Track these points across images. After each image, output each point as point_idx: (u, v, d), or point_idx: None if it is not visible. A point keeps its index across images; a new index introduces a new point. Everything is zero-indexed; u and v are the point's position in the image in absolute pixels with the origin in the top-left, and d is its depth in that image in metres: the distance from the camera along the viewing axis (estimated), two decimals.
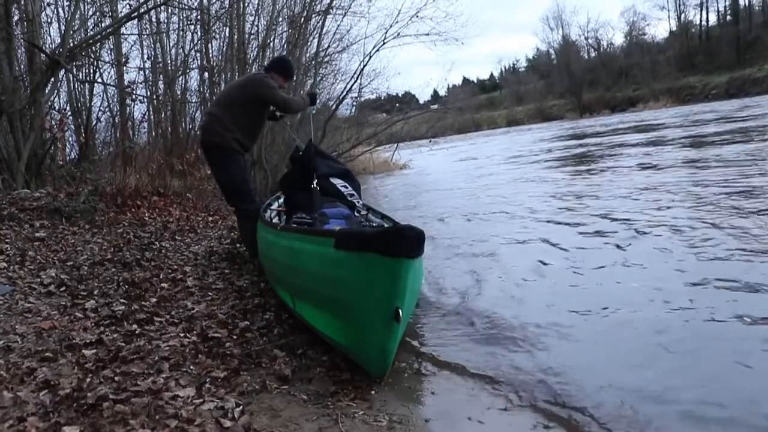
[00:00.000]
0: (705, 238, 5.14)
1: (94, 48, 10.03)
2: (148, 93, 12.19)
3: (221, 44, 13.69)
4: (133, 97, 11.22)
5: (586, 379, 2.84)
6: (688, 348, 3.10)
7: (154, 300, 4.24)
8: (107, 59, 11.34)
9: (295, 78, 6.04)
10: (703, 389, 2.65)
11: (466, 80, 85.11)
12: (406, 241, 2.55)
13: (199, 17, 12.28)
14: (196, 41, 12.98)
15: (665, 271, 4.43)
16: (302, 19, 14.21)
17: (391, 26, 15.57)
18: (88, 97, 10.85)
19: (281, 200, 6.03)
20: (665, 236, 5.42)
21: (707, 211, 6.15)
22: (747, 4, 58.82)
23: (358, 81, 16.53)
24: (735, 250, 4.64)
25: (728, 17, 60.83)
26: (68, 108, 10.66)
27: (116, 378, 2.78)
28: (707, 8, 61.78)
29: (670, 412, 2.49)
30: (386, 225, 4.67)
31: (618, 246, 5.35)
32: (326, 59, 16.67)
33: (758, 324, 3.24)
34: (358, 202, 5.24)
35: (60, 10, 10.62)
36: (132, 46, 12.38)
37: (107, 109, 11.46)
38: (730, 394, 2.55)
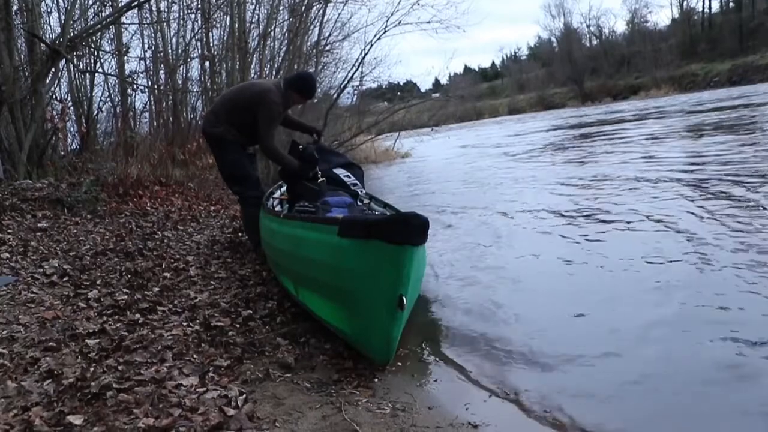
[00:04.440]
0: (713, 235, 5.12)
1: (94, 38, 10.01)
2: (149, 83, 12.14)
3: (222, 33, 13.63)
4: (134, 86, 11.20)
5: (585, 373, 2.84)
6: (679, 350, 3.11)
7: (156, 289, 4.24)
8: (108, 49, 11.32)
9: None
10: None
11: (467, 69, 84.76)
12: (411, 229, 2.55)
13: (199, 6, 12.23)
14: (196, 30, 12.92)
15: (666, 265, 4.43)
16: (303, 8, 14.17)
17: (392, 14, 15.43)
18: (88, 87, 10.84)
19: (283, 189, 6.01)
20: (669, 228, 5.41)
21: (711, 204, 6.14)
22: None
23: (360, 69, 16.47)
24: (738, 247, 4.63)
25: (731, 4, 60.44)
26: (69, 98, 10.65)
27: (119, 367, 2.78)
28: None
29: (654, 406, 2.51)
30: (389, 213, 4.65)
31: (623, 237, 5.35)
32: (327, 48, 16.66)
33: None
34: (360, 190, 5.23)
35: None
36: (132, 35, 12.32)
37: (108, 99, 11.45)
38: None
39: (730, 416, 2.37)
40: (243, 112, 5.18)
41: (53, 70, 8.76)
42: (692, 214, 5.61)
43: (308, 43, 15.71)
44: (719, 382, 2.60)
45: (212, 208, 8.42)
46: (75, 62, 9.96)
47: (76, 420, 2.24)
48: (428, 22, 15.73)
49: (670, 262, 4.34)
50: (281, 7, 14.58)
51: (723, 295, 3.57)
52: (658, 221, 5.54)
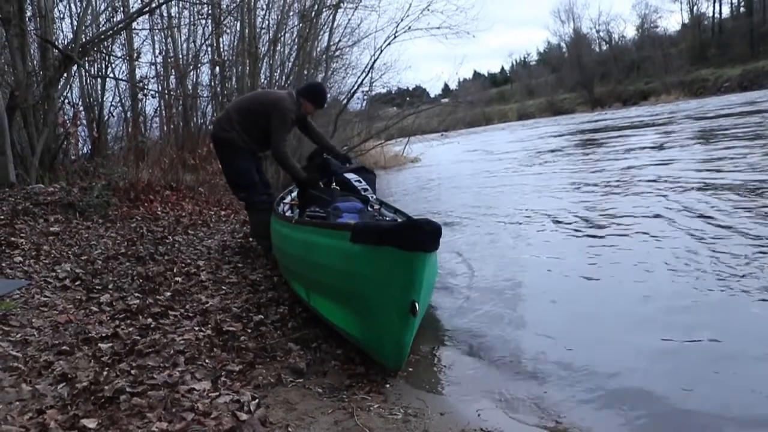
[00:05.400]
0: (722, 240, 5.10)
1: (106, 43, 10.06)
2: (160, 88, 12.21)
3: (232, 39, 13.72)
4: (145, 91, 11.23)
5: (598, 382, 2.83)
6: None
7: (168, 294, 4.26)
8: (119, 54, 11.36)
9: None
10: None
11: (476, 74, 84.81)
12: (423, 235, 2.55)
13: (210, 12, 12.28)
14: (207, 36, 13.01)
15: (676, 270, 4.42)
16: (313, 13, 14.22)
17: (402, 20, 15.53)
18: (100, 92, 10.90)
19: (294, 194, 6.03)
20: (682, 237, 5.40)
21: (726, 212, 6.11)
22: None
23: (369, 75, 16.53)
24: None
25: (741, 9, 60.21)
26: (81, 103, 10.73)
27: (132, 371, 2.79)
28: (720, 0, 61.26)
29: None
30: (399, 219, 4.66)
31: (635, 246, 5.32)
32: (337, 53, 16.70)
33: None
34: (371, 196, 5.24)
35: (72, 5, 10.71)
36: (144, 41, 12.43)
37: (119, 104, 11.52)
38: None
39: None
40: (257, 118, 5.23)
41: (65, 75, 8.83)
42: (706, 221, 5.59)
43: (318, 49, 15.78)
44: (731, 399, 2.59)
45: (223, 212, 8.45)
46: (87, 67, 10.01)
47: (90, 423, 2.25)
48: (438, 28, 15.81)
49: (682, 271, 4.32)
50: (291, 13, 14.67)
51: (736, 305, 3.57)
52: (669, 230, 5.52)
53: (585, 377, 2.85)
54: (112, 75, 11.00)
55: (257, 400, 2.56)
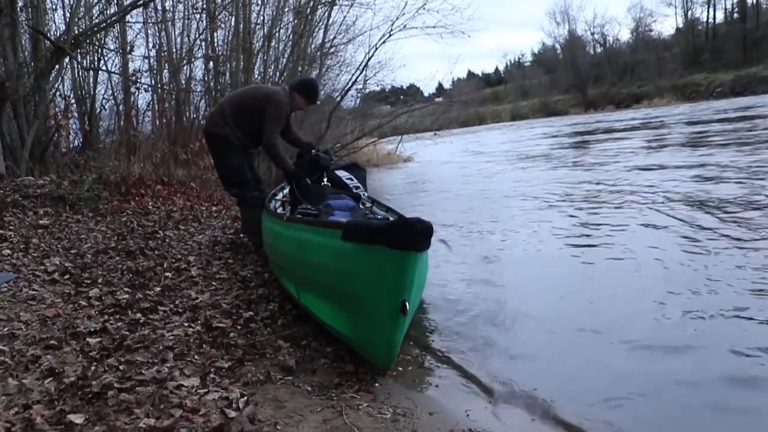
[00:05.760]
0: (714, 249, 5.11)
1: (99, 35, 9.99)
2: (153, 81, 12.14)
3: (227, 33, 13.66)
4: (138, 85, 11.17)
5: (588, 381, 2.85)
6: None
7: (158, 289, 4.23)
8: (112, 47, 11.29)
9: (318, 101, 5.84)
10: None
11: (471, 74, 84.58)
12: (415, 234, 2.54)
13: (204, 6, 12.23)
14: (201, 30, 12.95)
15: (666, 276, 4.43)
16: (308, 10, 14.19)
17: (397, 18, 15.47)
18: (92, 84, 10.80)
19: (286, 190, 6.02)
20: (670, 240, 5.42)
21: (710, 216, 6.13)
22: (754, 2, 58.43)
23: (363, 73, 16.46)
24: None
25: (735, 15, 60.45)
26: (72, 95, 10.63)
27: (121, 367, 2.77)
28: (714, 5, 61.39)
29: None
30: (391, 218, 4.66)
31: (625, 244, 5.34)
32: (332, 50, 16.67)
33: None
34: (363, 193, 5.24)
35: None
36: (137, 34, 12.31)
37: (111, 98, 11.44)
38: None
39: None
40: (251, 114, 5.22)
41: (57, 67, 8.77)
42: (697, 230, 5.61)
43: (313, 46, 15.74)
44: (726, 396, 2.60)
45: (214, 208, 8.42)
46: (79, 59, 9.95)
47: (77, 419, 2.23)
48: (433, 27, 15.75)
49: (673, 274, 4.34)
50: (286, 9, 14.64)
51: (726, 303, 3.58)
52: (662, 238, 5.54)
53: (577, 378, 2.87)
54: (104, 68, 10.95)
55: (246, 398, 2.54)
